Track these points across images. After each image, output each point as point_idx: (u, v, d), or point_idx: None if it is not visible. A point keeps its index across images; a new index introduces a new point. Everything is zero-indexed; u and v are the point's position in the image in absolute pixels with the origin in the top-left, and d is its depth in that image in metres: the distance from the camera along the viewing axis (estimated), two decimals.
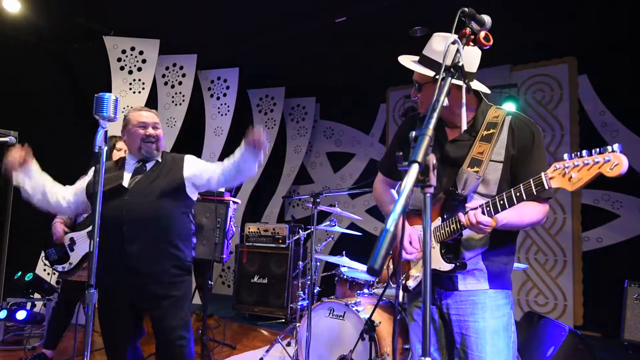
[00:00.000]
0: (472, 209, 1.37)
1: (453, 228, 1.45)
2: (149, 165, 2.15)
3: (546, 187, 1.24)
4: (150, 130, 2.12)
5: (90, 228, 3.04)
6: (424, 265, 0.91)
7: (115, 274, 2.01)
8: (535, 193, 1.27)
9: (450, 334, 1.60)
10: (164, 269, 2.03)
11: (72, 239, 2.99)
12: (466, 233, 1.48)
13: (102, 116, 1.58)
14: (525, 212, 1.42)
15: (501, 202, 1.33)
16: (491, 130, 1.50)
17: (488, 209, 1.36)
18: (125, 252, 1.98)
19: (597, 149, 1.16)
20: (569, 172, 1.19)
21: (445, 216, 1.51)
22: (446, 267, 1.50)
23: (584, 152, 1.18)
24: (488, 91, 1.56)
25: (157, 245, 2.02)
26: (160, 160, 2.19)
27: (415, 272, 1.64)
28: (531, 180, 1.27)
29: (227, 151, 2.80)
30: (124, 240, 1.98)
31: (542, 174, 1.25)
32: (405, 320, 2.94)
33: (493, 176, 1.48)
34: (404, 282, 1.68)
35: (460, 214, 1.39)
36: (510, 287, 1.59)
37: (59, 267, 3.03)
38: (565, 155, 1.20)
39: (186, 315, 2.11)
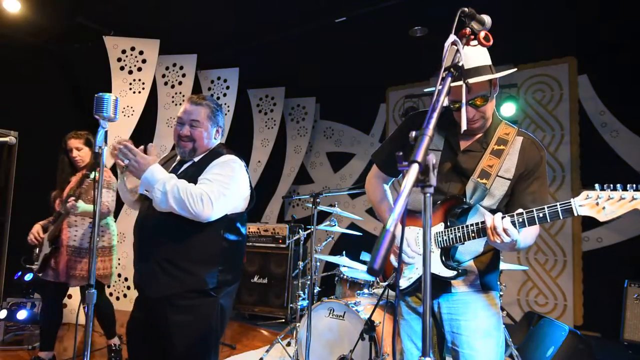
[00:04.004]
0: (499, 217, 1.36)
1: (458, 236, 1.46)
2: (183, 168, 1.88)
3: (575, 214, 1.25)
4: (184, 130, 1.83)
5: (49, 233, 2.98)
6: (424, 266, 0.90)
7: (136, 285, 1.86)
8: (561, 217, 1.28)
9: (440, 333, 1.63)
10: (169, 292, 1.72)
11: (40, 241, 2.99)
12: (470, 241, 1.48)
13: (102, 116, 1.56)
14: (528, 234, 1.45)
15: (520, 220, 1.33)
16: (501, 146, 1.52)
17: (512, 219, 1.35)
18: (136, 267, 1.83)
19: (633, 185, 1.18)
20: (602, 204, 1.21)
21: (448, 222, 1.52)
22: (447, 273, 1.51)
23: (619, 186, 1.20)
24: (512, 70, 1.56)
25: (161, 265, 1.73)
26: (196, 160, 1.87)
27: (409, 274, 1.63)
28: (558, 204, 1.28)
29: None
30: (136, 254, 1.84)
31: (572, 200, 1.26)
32: None
33: (499, 191, 1.52)
34: (394, 280, 1.68)
35: (487, 217, 1.38)
36: (499, 289, 1.66)
37: (33, 267, 3.08)
38: (597, 186, 1.22)
39: (197, 347, 1.75)
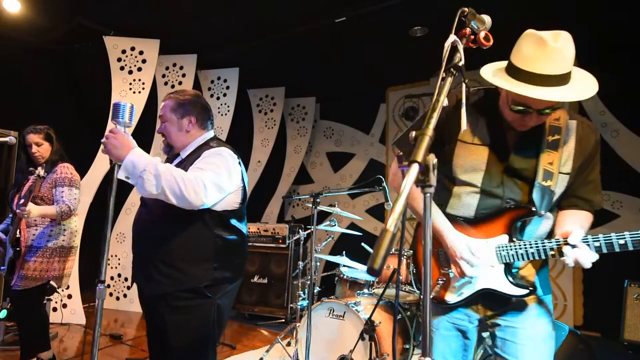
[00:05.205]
0: (576, 245, 1.21)
1: (531, 252, 1.30)
2: (174, 163, 1.87)
3: None
4: (158, 127, 1.88)
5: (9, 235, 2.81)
6: (424, 266, 0.90)
7: (136, 285, 1.85)
8: None
9: (492, 342, 1.51)
10: (164, 291, 1.71)
11: (3, 244, 2.81)
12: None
13: (118, 122, 1.60)
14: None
15: (622, 242, 1.19)
16: (556, 136, 1.36)
17: (597, 244, 1.21)
18: (134, 267, 1.83)
19: None
20: None
21: (514, 237, 1.37)
22: (516, 291, 1.36)
23: None
24: (595, 90, 1.24)
25: (155, 264, 1.72)
26: (184, 156, 1.85)
27: (462, 288, 1.44)
28: None
29: None
30: (133, 254, 1.84)
31: None
32: (406, 321, 2.95)
33: (559, 189, 1.37)
34: (438, 293, 1.48)
35: (568, 251, 1.22)
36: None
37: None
38: None
39: (193, 348, 1.74)
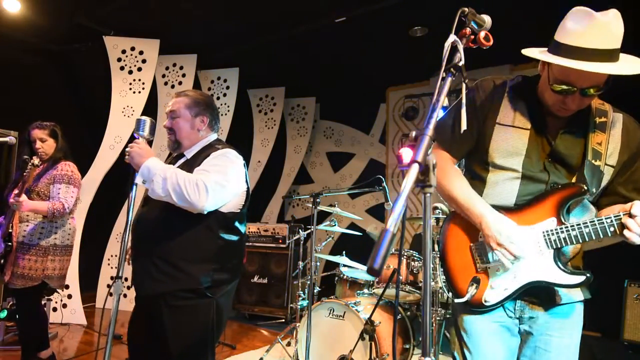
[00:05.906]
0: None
1: (587, 232, 1.20)
2: (176, 165, 1.86)
3: None
4: (166, 122, 1.88)
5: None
6: (424, 266, 0.90)
7: (132, 283, 1.85)
8: None
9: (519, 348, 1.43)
10: (162, 290, 1.72)
11: None
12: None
13: (139, 134, 1.79)
14: None
15: None
16: (603, 118, 1.31)
17: None
18: (132, 265, 1.83)
19: None
20: None
21: (562, 218, 1.26)
22: (569, 279, 1.23)
23: None
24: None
25: (155, 262, 1.72)
26: (189, 157, 1.86)
27: (504, 282, 1.31)
28: None
29: None
30: (132, 251, 1.85)
31: None
32: (406, 321, 2.95)
33: (604, 180, 1.30)
34: (474, 293, 1.33)
35: (632, 224, 1.14)
36: None
37: None
38: None
39: (192, 347, 1.73)
